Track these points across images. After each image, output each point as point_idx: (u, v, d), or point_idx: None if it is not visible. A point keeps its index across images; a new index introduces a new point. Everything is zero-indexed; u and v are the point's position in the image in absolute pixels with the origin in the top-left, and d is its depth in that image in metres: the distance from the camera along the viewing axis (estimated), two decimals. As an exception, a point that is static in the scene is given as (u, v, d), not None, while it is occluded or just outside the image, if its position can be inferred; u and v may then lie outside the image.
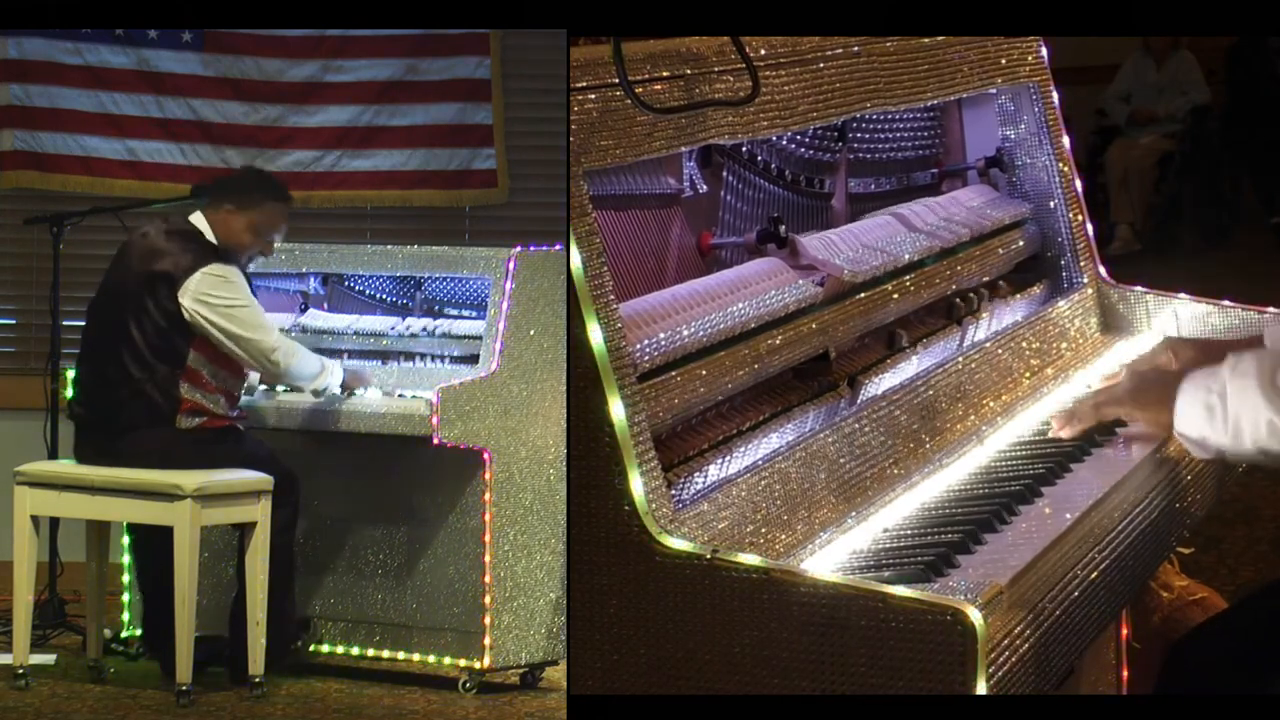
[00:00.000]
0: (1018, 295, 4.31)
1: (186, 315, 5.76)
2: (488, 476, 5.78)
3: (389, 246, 6.29)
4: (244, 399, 5.97)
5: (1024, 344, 4.14)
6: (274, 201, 6.00)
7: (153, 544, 5.83)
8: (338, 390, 5.90)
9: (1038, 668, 2.83)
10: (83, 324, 6.05)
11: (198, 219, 5.94)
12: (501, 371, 5.79)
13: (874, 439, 3.44)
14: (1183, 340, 4.05)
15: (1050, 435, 3.72)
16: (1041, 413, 3.94)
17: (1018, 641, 2.77)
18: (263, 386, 6.07)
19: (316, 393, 5.89)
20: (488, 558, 5.78)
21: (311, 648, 6.07)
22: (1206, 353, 3.77)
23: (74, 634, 6.32)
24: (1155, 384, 3.57)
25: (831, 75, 3.69)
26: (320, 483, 6.04)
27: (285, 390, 6.04)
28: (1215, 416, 3.32)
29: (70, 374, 6.13)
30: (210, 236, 5.91)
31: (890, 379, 3.65)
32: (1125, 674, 4.63)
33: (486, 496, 5.78)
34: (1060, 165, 4.51)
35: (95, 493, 5.75)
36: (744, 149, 3.70)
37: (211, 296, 5.77)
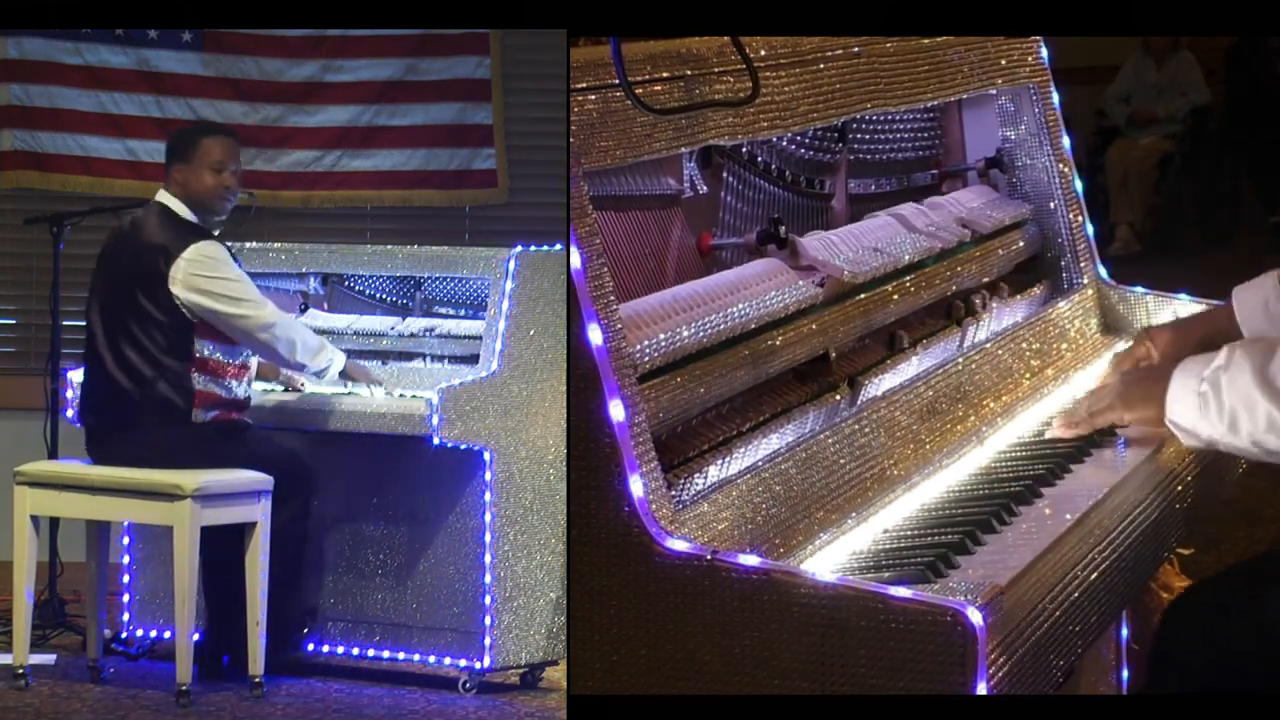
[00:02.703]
0: (1018, 296, 4.31)
1: (181, 304, 5.75)
2: (488, 476, 5.77)
3: (389, 246, 6.28)
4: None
5: (1024, 345, 4.14)
6: (208, 136, 6.02)
7: (211, 546, 5.76)
8: (338, 376, 5.88)
9: (1038, 668, 2.83)
10: (84, 326, 6.04)
11: (162, 196, 5.94)
12: (501, 371, 5.79)
13: (874, 440, 3.44)
14: (1158, 327, 4.07)
15: (1049, 436, 3.73)
16: (1042, 413, 3.94)
17: (1018, 642, 2.77)
18: (261, 387, 6.06)
19: (318, 374, 5.87)
20: (488, 558, 5.78)
21: (310, 647, 6.06)
22: (1183, 334, 3.85)
23: (74, 634, 6.31)
24: (1141, 382, 3.63)
25: (832, 76, 3.69)
26: (320, 483, 6.03)
27: (285, 389, 6.04)
28: (1209, 406, 3.36)
29: (73, 377, 6.13)
30: (179, 208, 5.90)
31: (890, 380, 3.65)
32: (1125, 674, 4.63)
33: (486, 496, 5.78)
34: (1060, 166, 4.51)
35: (95, 493, 5.75)
36: (744, 150, 3.70)
37: (200, 279, 5.74)
